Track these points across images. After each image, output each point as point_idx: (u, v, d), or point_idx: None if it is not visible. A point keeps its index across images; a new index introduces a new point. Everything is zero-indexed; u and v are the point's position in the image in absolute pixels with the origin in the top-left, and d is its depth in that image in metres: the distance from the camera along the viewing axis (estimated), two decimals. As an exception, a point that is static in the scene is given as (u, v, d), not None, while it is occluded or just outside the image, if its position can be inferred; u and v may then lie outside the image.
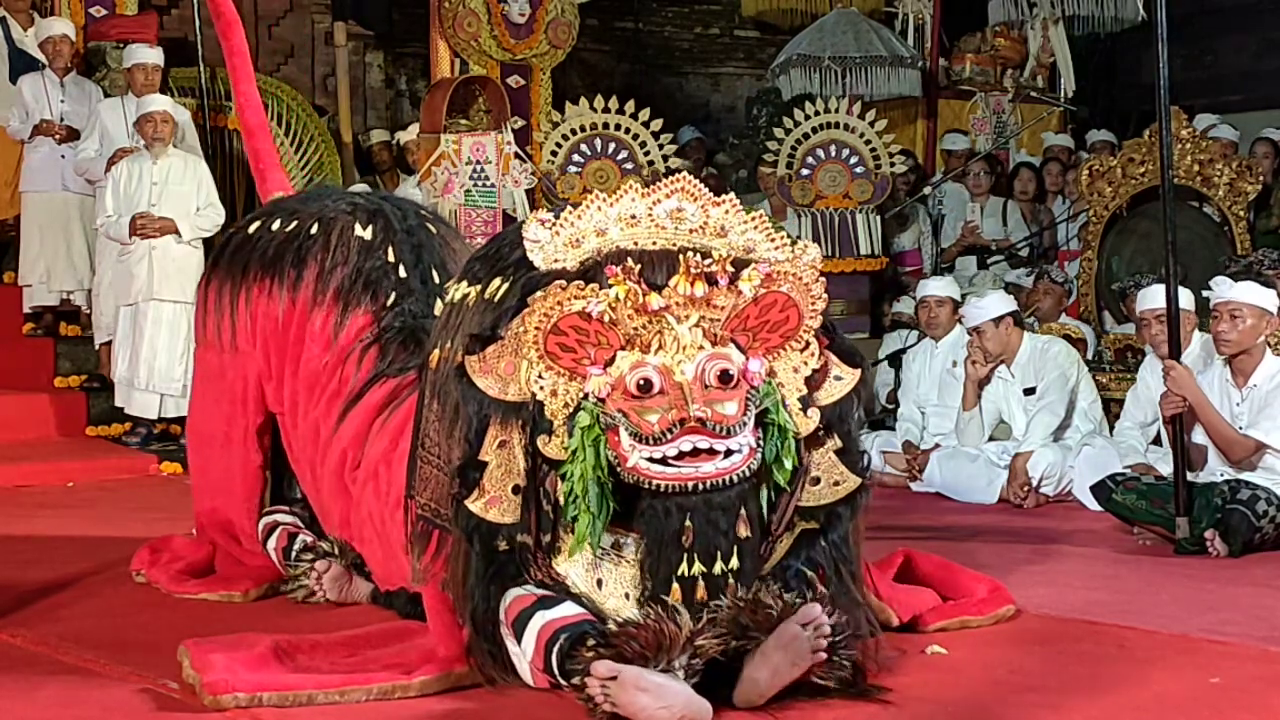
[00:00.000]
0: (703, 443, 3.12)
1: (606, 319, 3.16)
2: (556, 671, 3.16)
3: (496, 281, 3.41)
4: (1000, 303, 6.73)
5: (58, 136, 8.52)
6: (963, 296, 7.30)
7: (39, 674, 3.62)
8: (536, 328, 3.15)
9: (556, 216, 3.30)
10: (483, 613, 3.33)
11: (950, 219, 10.04)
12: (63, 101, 8.62)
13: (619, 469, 3.18)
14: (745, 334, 3.26)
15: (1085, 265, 8.30)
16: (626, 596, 3.27)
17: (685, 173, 3.42)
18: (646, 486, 3.16)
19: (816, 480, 3.38)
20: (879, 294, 9.56)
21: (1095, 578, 4.77)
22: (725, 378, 3.18)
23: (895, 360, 7.81)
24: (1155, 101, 5.31)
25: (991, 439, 6.73)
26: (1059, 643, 3.82)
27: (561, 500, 3.23)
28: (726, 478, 3.14)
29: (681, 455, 3.12)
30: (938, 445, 6.97)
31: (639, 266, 3.18)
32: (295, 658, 3.46)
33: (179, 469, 7.27)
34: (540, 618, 3.21)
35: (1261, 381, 5.32)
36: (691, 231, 3.31)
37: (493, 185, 8.47)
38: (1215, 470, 5.36)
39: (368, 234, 4.44)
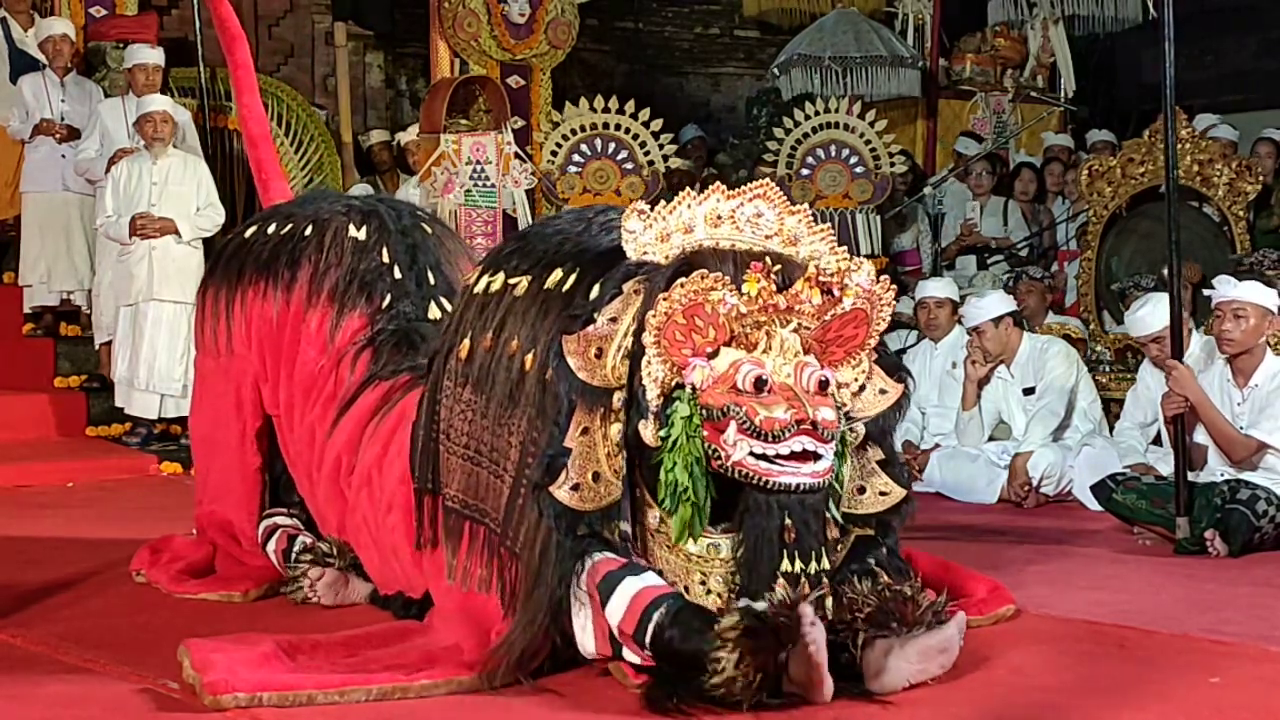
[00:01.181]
0: (811, 445, 3.19)
1: (728, 312, 3.24)
2: (648, 639, 3.16)
3: (558, 273, 3.48)
4: (1000, 303, 6.73)
5: (58, 136, 8.53)
6: (962, 297, 7.30)
7: (39, 674, 3.62)
8: (667, 313, 3.21)
9: (652, 209, 3.39)
10: (557, 597, 3.31)
11: (951, 218, 10.04)
12: (63, 101, 8.62)
13: (717, 462, 3.23)
14: (820, 344, 3.36)
15: (1085, 265, 8.30)
16: (686, 589, 3.31)
17: (767, 179, 3.56)
18: (750, 481, 3.20)
19: (862, 489, 3.50)
20: (879, 294, 9.53)
21: (1095, 578, 4.77)
22: (822, 384, 3.27)
23: (895, 360, 7.80)
24: (1158, 101, 5.32)
25: (991, 439, 6.73)
26: (1059, 643, 3.82)
27: (659, 489, 3.28)
28: (819, 481, 3.22)
29: (792, 455, 3.17)
30: (938, 445, 6.97)
31: (777, 266, 3.27)
32: (295, 658, 3.47)
33: (179, 469, 7.27)
34: (632, 583, 3.22)
35: (1263, 381, 5.32)
36: (768, 237, 3.44)
37: (493, 185, 8.47)
38: (1215, 470, 5.36)
39: (362, 235, 4.46)
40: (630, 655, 3.25)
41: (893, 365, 3.57)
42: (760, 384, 3.22)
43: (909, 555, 4.22)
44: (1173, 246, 5.17)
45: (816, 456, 3.20)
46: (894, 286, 3.48)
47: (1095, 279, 8.18)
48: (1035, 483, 6.39)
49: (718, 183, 3.52)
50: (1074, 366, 6.77)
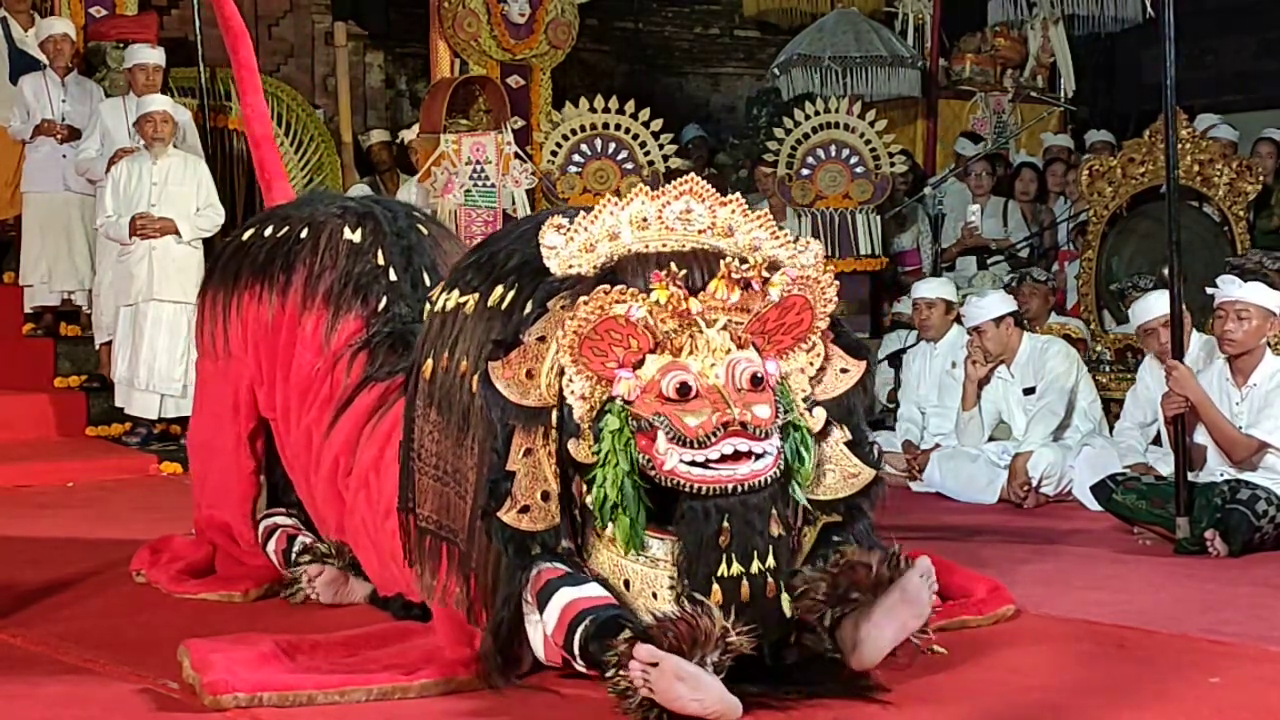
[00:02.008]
0: (743, 445, 3.15)
1: (643, 324, 3.18)
2: (576, 652, 3.17)
3: (499, 290, 3.43)
4: (1001, 303, 6.73)
5: (59, 136, 8.52)
6: (962, 297, 7.30)
7: (39, 674, 3.63)
8: (575, 331, 3.16)
9: (570, 221, 3.32)
10: (511, 620, 3.33)
11: (951, 218, 10.04)
12: (64, 101, 8.61)
13: (652, 472, 3.20)
14: (762, 336, 3.30)
15: (1085, 265, 8.29)
16: (654, 596, 3.28)
17: (692, 174, 3.47)
18: (684, 489, 3.17)
19: (828, 473, 3.42)
20: (879, 294, 9.56)
21: (1095, 578, 4.77)
22: (755, 381, 3.21)
23: (895, 360, 7.82)
24: (1158, 101, 5.32)
25: (991, 439, 6.73)
26: (1059, 643, 3.83)
27: (591, 505, 3.25)
28: (760, 479, 3.17)
29: (722, 458, 3.15)
30: (938, 445, 6.97)
31: (683, 271, 3.21)
32: (295, 658, 3.47)
33: (179, 469, 7.26)
34: (566, 594, 3.22)
35: (1261, 381, 5.32)
36: (700, 232, 3.36)
37: (493, 185, 8.46)
38: (1215, 470, 5.36)
39: (357, 237, 4.45)
40: (577, 665, 3.25)
41: (854, 344, 3.52)
42: (684, 390, 3.17)
43: (908, 556, 4.22)
44: (1173, 246, 5.17)
45: (754, 455, 3.16)
46: (832, 268, 3.39)
47: (1095, 279, 8.18)
48: (1035, 483, 6.39)
49: (640, 185, 3.45)
50: (1074, 366, 6.76)
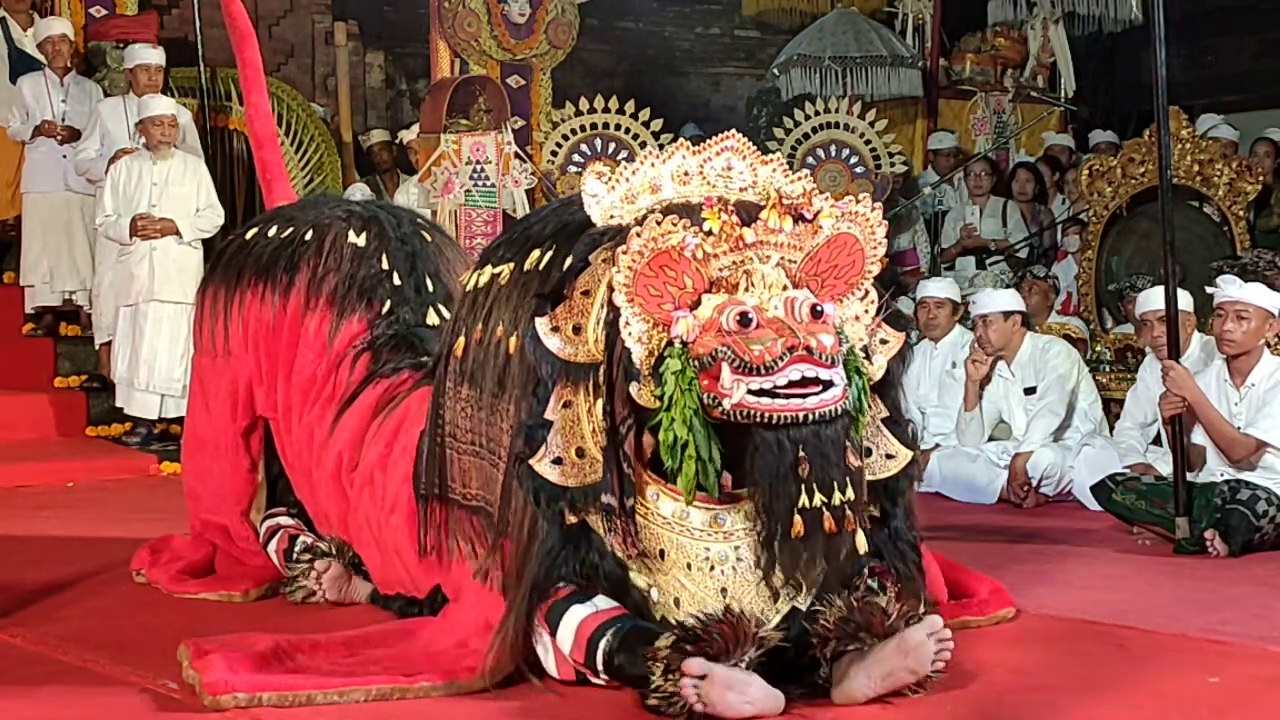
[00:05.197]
0: (810, 371, 3.05)
1: (700, 254, 3.13)
2: (600, 666, 3.16)
3: (535, 253, 3.41)
4: (1013, 299, 6.75)
5: (59, 137, 8.52)
6: (963, 297, 7.31)
7: (39, 674, 3.62)
8: (629, 266, 3.11)
9: (612, 172, 3.30)
10: (543, 581, 3.26)
11: (951, 218, 10.05)
12: (64, 101, 8.62)
13: (718, 410, 3.10)
14: (815, 279, 3.24)
15: (1085, 265, 8.30)
16: (689, 567, 3.25)
17: (733, 130, 3.43)
18: (755, 421, 3.06)
19: (868, 451, 3.37)
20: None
21: (1095, 578, 4.77)
22: (816, 312, 3.14)
23: (895, 360, 7.81)
24: (1155, 101, 5.30)
25: (991, 439, 6.73)
26: (1059, 643, 3.82)
27: (662, 453, 3.17)
28: (831, 408, 3.08)
29: (790, 385, 3.05)
30: (938, 445, 6.97)
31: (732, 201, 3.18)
32: (295, 658, 3.47)
33: (179, 469, 7.26)
34: (578, 611, 3.21)
35: (1259, 380, 5.32)
36: (741, 190, 3.34)
37: (493, 185, 8.47)
38: (1215, 470, 5.36)
39: (361, 241, 4.46)
40: (595, 680, 3.24)
41: (893, 315, 3.45)
42: (745, 320, 3.09)
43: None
44: (1168, 247, 5.16)
45: (822, 383, 3.06)
46: (879, 205, 3.33)
47: (1095, 279, 8.18)
48: (1035, 483, 6.39)
49: (682, 139, 3.42)
50: (1075, 366, 6.77)
